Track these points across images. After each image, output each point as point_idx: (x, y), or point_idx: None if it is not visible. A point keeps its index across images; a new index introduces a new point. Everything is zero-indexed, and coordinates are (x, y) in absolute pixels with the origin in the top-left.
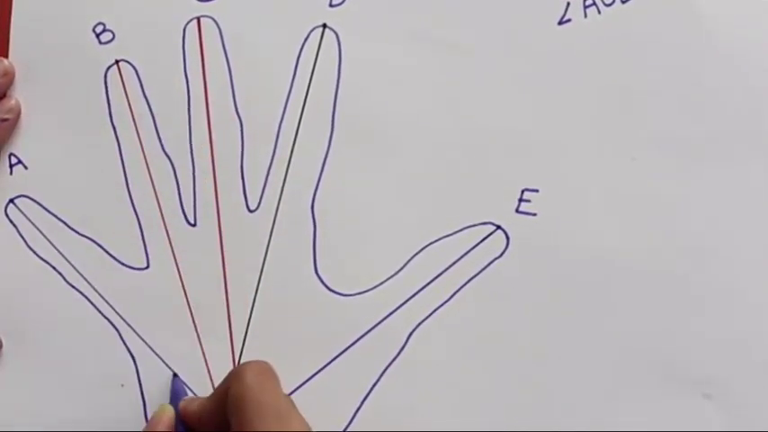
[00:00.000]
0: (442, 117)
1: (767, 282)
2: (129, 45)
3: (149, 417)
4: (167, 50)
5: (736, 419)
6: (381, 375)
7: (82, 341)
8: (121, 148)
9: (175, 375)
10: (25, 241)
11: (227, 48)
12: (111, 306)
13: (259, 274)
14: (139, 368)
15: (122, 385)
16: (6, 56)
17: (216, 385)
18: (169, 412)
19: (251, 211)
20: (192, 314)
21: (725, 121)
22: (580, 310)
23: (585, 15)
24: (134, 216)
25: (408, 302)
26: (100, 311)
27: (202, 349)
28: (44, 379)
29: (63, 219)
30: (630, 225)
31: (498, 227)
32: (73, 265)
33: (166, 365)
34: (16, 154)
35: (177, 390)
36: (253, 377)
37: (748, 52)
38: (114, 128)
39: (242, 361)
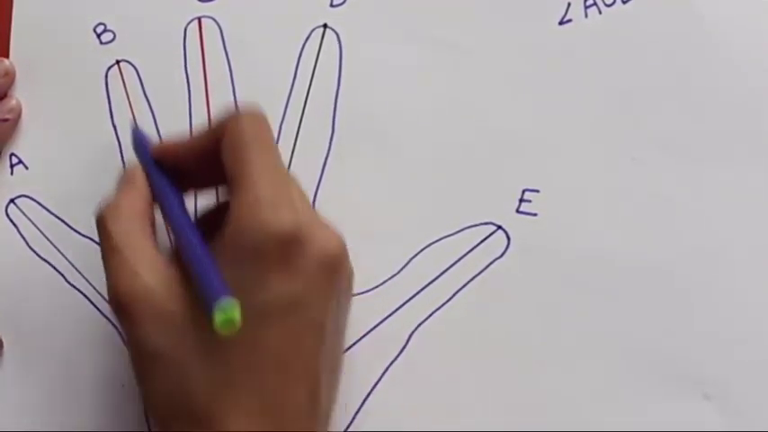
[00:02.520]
0: (443, 117)
1: (767, 282)
2: (129, 45)
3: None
4: (168, 50)
5: (736, 420)
6: (382, 375)
7: (82, 341)
8: (122, 148)
9: (135, 127)
10: (26, 241)
11: (227, 48)
12: None
13: None
14: None
15: (123, 385)
16: (7, 56)
17: None
18: (144, 187)
19: None
20: None
21: (725, 121)
22: (580, 310)
23: (586, 15)
24: None
25: (409, 302)
26: (100, 311)
27: None
28: (44, 379)
29: (64, 219)
30: (631, 225)
31: (499, 227)
32: (73, 265)
33: None
34: (17, 154)
35: (139, 136)
36: (250, 115)
37: (748, 52)
38: (115, 128)
39: None
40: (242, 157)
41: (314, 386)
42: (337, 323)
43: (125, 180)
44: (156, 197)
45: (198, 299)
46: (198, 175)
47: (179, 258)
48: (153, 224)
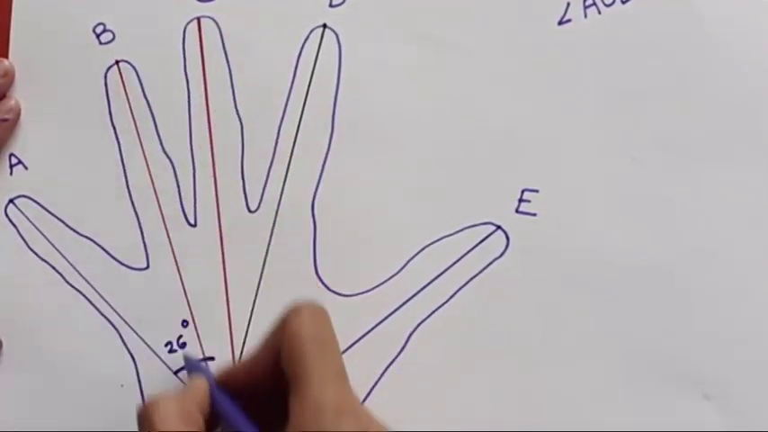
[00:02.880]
0: (442, 117)
1: (767, 282)
2: (129, 45)
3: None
4: (167, 51)
5: (736, 420)
6: (381, 375)
7: (82, 341)
8: (121, 148)
9: (187, 356)
10: (25, 241)
11: (227, 48)
12: (110, 306)
13: (259, 274)
14: (139, 368)
15: (122, 385)
16: (6, 56)
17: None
18: (203, 383)
19: (251, 212)
20: (192, 314)
21: (725, 121)
22: (580, 310)
23: (585, 15)
24: (134, 216)
25: (408, 302)
26: (100, 311)
27: (202, 349)
28: (44, 379)
29: (63, 219)
30: (630, 225)
31: (498, 227)
32: (73, 266)
33: (166, 365)
34: (16, 154)
35: (193, 365)
36: (309, 313)
37: (748, 52)
38: (114, 128)
39: None
40: (302, 362)
41: None
42: None
43: (186, 386)
44: (218, 411)
45: None
46: (263, 390)
47: None
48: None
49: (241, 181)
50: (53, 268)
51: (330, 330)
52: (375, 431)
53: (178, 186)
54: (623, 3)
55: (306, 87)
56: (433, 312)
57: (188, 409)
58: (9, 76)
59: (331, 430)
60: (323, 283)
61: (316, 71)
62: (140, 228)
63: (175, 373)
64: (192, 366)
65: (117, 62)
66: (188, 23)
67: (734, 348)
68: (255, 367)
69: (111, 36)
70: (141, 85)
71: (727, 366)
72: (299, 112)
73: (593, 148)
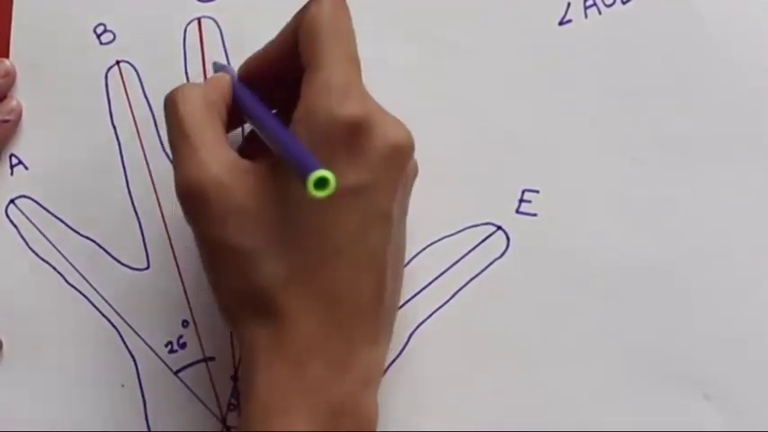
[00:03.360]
0: (443, 117)
1: (767, 282)
2: (129, 45)
3: (149, 415)
4: (168, 51)
5: (736, 419)
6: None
7: (82, 341)
8: (122, 148)
9: (215, 62)
10: (26, 241)
11: (227, 48)
12: (111, 306)
13: None
14: (139, 368)
15: (122, 385)
16: (7, 56)
17: (217, 388)
18: (225, 76)
19: None
20: (192, 314)
21: (725, 121)
22: (580, 310)
23: (586, 16)
24: (134, 216)
25: (409, 302)
26: (100, 311)
27: (203, 349)
28: (44, 379)
29: (63, 219)
30: (631, 225)
31: (499, 227)
32: (73, 266)
33: (167, 366)
34: (17, 154)
35: (221, 67)
36: (330, 1)
37: (748, 52)
38: (115, 128)
39: None
40: (316, 44)
41: (380, 278)
42: (402, 214)
43: (208, 79)
44: (241, 104)
45: (268, 191)
46: (283, 78)
47: (250, 152)
48: (224, 121)
49: None
50: (53, 268)
51: (348, 20)
52: (376, 118)
53: None
54: (624, 3)
55: None
56: (434, 312)
57: (211, 98)
58: (10, 77)
59: (335, 108)
60: None
61: None
62: (141, 228)
63: (176, 373)
64: (218, 68)
65: (117, 62)
66: (188, 23)
67: (734, 348)
68: (274, 53)
69: (111, 36)
70: (142, 85)
71: (727, 366)
72: None
73: (594, 149)
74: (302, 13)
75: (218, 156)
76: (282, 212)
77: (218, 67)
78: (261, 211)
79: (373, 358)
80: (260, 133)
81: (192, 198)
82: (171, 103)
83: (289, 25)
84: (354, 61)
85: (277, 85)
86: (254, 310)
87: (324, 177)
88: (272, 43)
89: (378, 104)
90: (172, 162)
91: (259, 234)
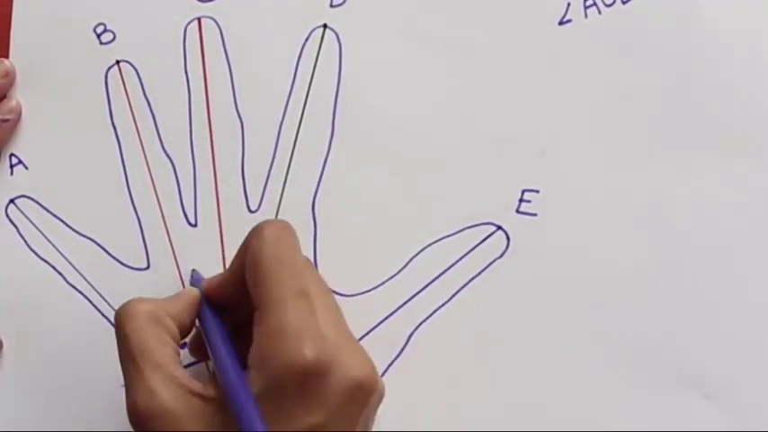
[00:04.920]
0: (443, 117)
1: (767, 282)
2: (129, 45)
3: None
4: (168, 51)
5: (736, 419)
6: (382, 375)
7: (82, 341)
8: (122, 148)
9: (194, 270)
10: (26, 241)
11: (227, 48)
12: (111, 306)
13: None
14: None
15: (122, 385)
16: (7, 56)
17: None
18: (192, 291)
19: (252, 212)
20: None
21: (725, 122)
22: (580, 310)
23: (586, 15)
24: (134, 216)
25: (408, 303)
26: (100, 311)
27: None
28: (44, 379)
29: (63, 219)
30: (631, 225)
31: (499, 227)
32: (73, 266)
33: None
34: (17, 154)
35: (196, 280)
36: (271, 233)
37: (748, 52)
38: (115, 128)
39: None
40: (263, 282)
41: None
42: None
43: (175, 294)
44: (202, 327)
45: (218, 420)
46: (242, 305)
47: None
48: (176, 337)
49: (241, 181)
50: (53, 268)
51: (291, 247)
52: (334, 359)
53: (178, 186)
54: (624, 3)
55: (306, 87)
56: (434, 312)
57: (158, 314)
58: (10, 77)
59: (288, 355)
60: None
61: (316, 71)
62: (141, 228)
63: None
64: (193, 280)
65: (117, 62)
66: (189, 23)
67: (734, 348)
68: (229, 280)
69: (111, 36)
70: (142, 85)
71: (727, 366)
72: (300, 112)
73: (594, 148)
74: (245, 245)
75: (165, 380)
76: None
77: (194, 279)
78: None
79: None
80: (215, 368)
81: (142, 425)
82: (117, 320)
83: (237, 254)
84: (304, 296)
85: (237, 309)
86: None
87: None
88: (229, 269)
89: (338, 337)
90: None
91: None
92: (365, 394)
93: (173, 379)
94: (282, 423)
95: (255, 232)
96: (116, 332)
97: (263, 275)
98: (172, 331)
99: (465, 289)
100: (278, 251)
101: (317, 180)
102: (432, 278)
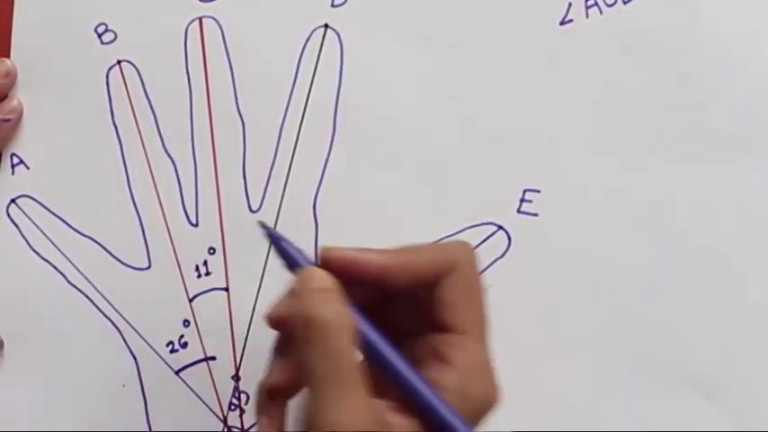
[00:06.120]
0: (444, 117)
1: (767, 282)
2: (131, 45)
3: (150, 415)
4: (169, 51)
5: (736, 419)
6: None
7: (83, 341)
8: (123, 148)
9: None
10: (27, 241)
11: (228, 48)
12: (112, 306)
13: (261, 273)
14: (140, 368)
15: (123, 385)
16: (8, 56)
17: (218, 388)
18: (329, 281)
19: (253, 212)
20: (193, 314)
21: (725, 121)
22: (581, 310)
23: (587, 16)
24: (135, 216)
25: None
26: (101, 311)
27: (204, 349)
28: (45, 379)
29: (65, 219)
30: (631, 225)
31: (500, 227)
32: (74, 265)
33: (168, 365)
34: (18, 154)
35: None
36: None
37: (749, 52)
38: (116, 128)
39: (243, 362)
40: (477, 306)
41: None
42: None
43: (323, 286)
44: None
45: None
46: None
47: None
48: None
49: (243, 181)
50: (54, 268)
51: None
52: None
53: (180, 186)
54: (625, 3)
55: (307, 87)
56: None
57: (353, 336)
58: (11, 77)
59: (489, 393)
60: None
61: (317, 71)
62: (142, 227)
63: (177, 372)
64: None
65: (119, 62)
66: (190, 23)
67: (734, 348)
68: (389, 266)
69: (112, 36)
70: (143, 84)
71: (727, 366)
72: (301, 112)
73: (595, 148)
74: (452, 256)
75: (371, 407)
76: None
77: (299, 258)
78: None
79: None
80: (392, 379)
81: None
82: (329, 326)
83: (429, 254)
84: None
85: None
86: None
87: None
88: (401, 255)
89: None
90: (311, 399)
91: None
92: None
93: (372, 403)
94: None
95: (467, 249)
96: (317, 335)
97: (478, 299)
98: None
99: None
100: (481, 277)
101: (318, 180)
102: None
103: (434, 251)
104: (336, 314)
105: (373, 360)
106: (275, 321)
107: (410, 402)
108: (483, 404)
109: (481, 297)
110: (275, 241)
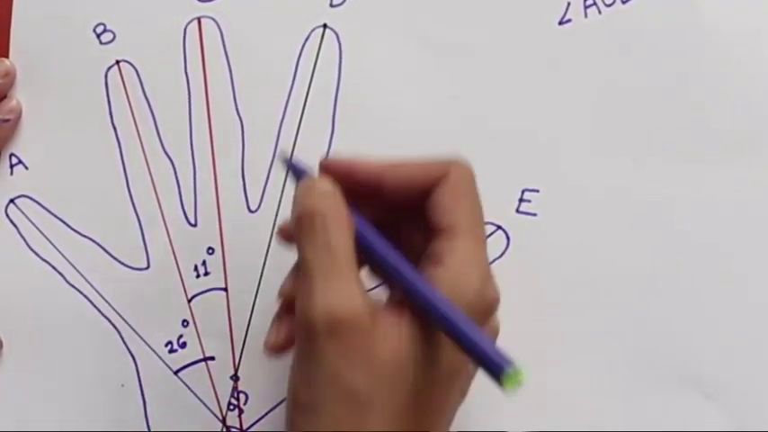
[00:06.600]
0: (443, 117)
1: (767, 282)
2: (129, 45)
3: (149, 415)
4: (168, 51)
5: (736, 419)
6: None
7: (82, 341)
8: (122, 148)
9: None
10: (26, 241)
11: (227, 48)
12: (111, 306)
13: (259, 274)
14: (139, 368)
15: (122, 385)
16: (7, 56)
17: (217, 388)
18: (328, 185)
19: (251, 212)
20: (192, 314)
21: (725, 121)
22: (580, 309)
23: (586, 15)
24: (134, 216)
25: None
26: (100, 311)
27: (203, 349)
28: (44, 379)
29: (63, 219)
30: (631, 225)
31: (498, 227)
32: (73, 266)
33: (166, 365)
34: (17, 154)
35: (298, 167)
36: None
37: (749, 52)
38: (115, 128)
39: (242, 362)
40: (467, 209)
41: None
42: None
43: (322, 188)
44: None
45: (402, 350)
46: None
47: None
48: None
49: (241, 181)
50: (53, 268)
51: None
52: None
53: (178, 186)
54: (623, 2)
55: (306, 87)
56: None
57: (350, 220)
58: (10, 77)
59: (483, 290)
60: None
61: (316, 71)
62: (141, 228)
63: (176, 372)
64: (298, 170)
65: (117, 62)
66: (188, 23)
67: (734, 349)
68: (373, 176)
69: (111, 36)
70: (142, 84)
71: (727, 366)
72: (300, 112)
73: (594, 148)
74: (445, 167)
75: (364, 291)
76: (411, 379)
77: (296, 167)
78: (394, 370)
79: None
80: (387, 276)
81: (336, 330)
82: (316, 215)
83: (423, 165)
84: (485, 239)
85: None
86: None
87: (519, 375)
88: (396, 165)
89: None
90: (305, 284)
91: (384, 392)
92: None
93: (367, 298)
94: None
95: (461, 160)
96: (311, 227)
97: (468, 201)
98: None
99: None
100: (475, 185)
101: None
102: None
103: (428, 161)
104: (333, 208)
105: (370, 259)
106: (283, 233)
107: (406, 299)
108: (477, 301)
109: (473, 200)
110: (287, 163)
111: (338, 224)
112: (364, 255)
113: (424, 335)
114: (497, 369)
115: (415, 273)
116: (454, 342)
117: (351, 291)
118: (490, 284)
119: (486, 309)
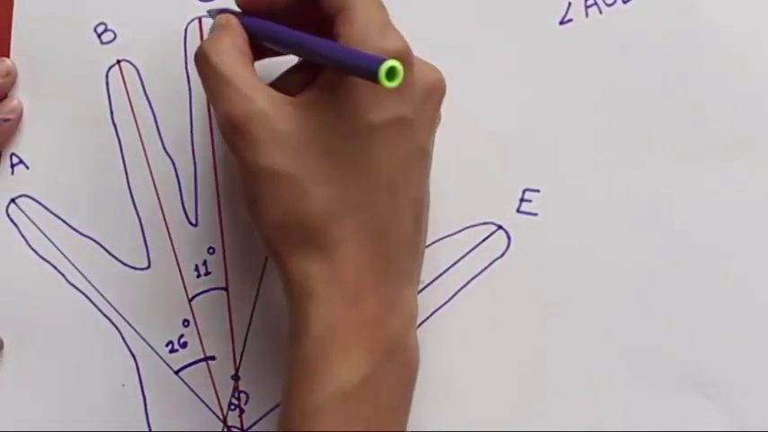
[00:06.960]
0: (443, 117)
1: (767, 282)
2: (130, 45)
3: (150, 415)
4: (169, 50)
5: (737, 420)
6: None
7: (82, 341)
8: (123, 147)
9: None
10: (26, 241)
11: None
12: (111, 306)
13: (260, 273)
14: (140, 368)
15: (123, 385)
16: (8, 56)
17: (217, 388)
18: (233, 19)
19: None
20: (192, 314)
21: (725, 121)
22: (581, 309)
23: (587, 15)
24: (135, 216)
25: None
26: (101, 311)
27: (203, 349)
28: (44, 379)
29: (64, 219)
30: (631, 225)
31: (499, 227)
32: (74, 265)
33: (167, 365)
34: (18, 154)
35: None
36: None
37: (749, 52)
38: (116, 127)
39: (242, 361)
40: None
41: (419, 212)
42: (431, 155)
43: (218, 25)
44: (256, 34)
45: (313, 121)
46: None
47: (287, 85)
48: (252, 62)
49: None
50: (54, 268)
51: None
52: (414, 57)
53: (179, 186)
54: (624, 2)
55: None
56: (434, 312)
57: (240, 45)
58: (11, 76)
59: (380, 42)
60: None
61: None
62: (141, 227)
63: (176, 372)
64: (215, 13)
65: (118, 61)
66: (189, 23)
67: (734, 349)
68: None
69: (112, 36)
70: (142, 84)
71: (727, 366)
72: None
73: (595, 148)
74: None
75: (260, 92)
76: (329, 143)
77: (214, 13)
78: (308, 140)
79: (413, 298)
80: (303, 55)
81: (238, 130)
82: (203, 56)
83: None
84: (384, 7)
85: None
86: (304, 243)
87: (393, 67)
88: None
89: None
90: (210, 104)
91: (308, 163)
92: (439, 93)
93: (265, 89)
94: (374, 111)
95: None
96: (202, 67)
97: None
98: (251, 58)
99: (465, 289)
100: None
101: None
102: (432, 278)
103: None
104: (214, 45)
105: (279, 42)
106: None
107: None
108: (377, 52)
109: None
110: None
111: (224, 53)
112: (268, 43)
113: (326, 97)
114: (372, 69)
115: (303, 34)
116: (335, 66)
117: (239, 96)
118: (390, 35)
119: (392, 56)
